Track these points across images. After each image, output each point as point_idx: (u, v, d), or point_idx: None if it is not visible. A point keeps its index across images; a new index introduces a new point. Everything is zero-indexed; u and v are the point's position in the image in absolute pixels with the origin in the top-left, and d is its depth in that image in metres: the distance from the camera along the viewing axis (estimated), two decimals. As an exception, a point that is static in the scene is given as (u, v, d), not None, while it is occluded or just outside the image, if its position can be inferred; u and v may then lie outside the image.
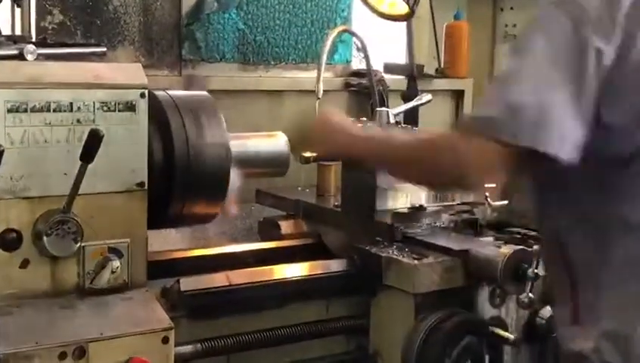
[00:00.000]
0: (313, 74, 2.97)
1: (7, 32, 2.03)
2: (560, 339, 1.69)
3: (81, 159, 1.62)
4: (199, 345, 1.98)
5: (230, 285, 2.08)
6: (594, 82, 1.43)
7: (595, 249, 1.58)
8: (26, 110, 1.64)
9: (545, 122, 1.45)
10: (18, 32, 2.03)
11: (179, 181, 1.89)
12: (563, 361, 1.73)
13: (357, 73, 3.10)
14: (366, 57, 2.95)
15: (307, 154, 2.36)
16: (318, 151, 2.08)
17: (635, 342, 1.54)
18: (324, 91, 2.85)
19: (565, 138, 1.44)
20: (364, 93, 2.98)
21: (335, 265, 2.28)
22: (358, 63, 3.24)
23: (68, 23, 2.64)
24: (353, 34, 3.01)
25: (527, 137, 1.43)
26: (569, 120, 1.45)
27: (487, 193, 2.41)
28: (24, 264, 1.66)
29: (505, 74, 1.59)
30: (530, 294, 2.00)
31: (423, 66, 3.36)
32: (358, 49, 3.20)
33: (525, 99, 1.46)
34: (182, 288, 1.96)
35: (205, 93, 2.09)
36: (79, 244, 1.70)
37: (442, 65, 3.54)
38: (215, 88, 2.58)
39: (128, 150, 1.77)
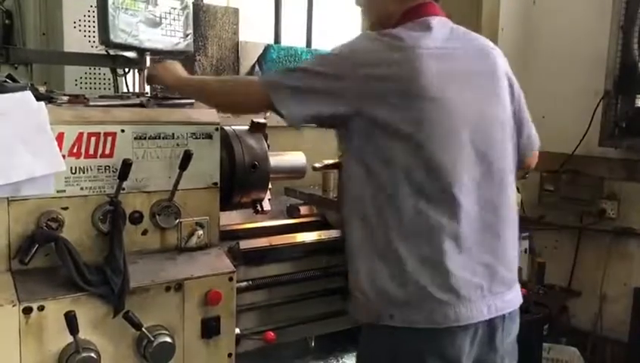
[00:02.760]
0: None
1: (133, 90, 2.19)
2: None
3: (179, 168, 1.76)
4: (251, 282, 2.18)
5: (270, 245, 2.28)
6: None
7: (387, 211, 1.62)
8: (145, 138, 1.76)
9: (284, 99, 1.63)
10: (139, 90, 2.13)
11: (238, 182, 2.01)
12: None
13: None
14: None
15: (317, 165, 2.59)
16: (159, 82, 2.03)
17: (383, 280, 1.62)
18: None
19: (291, 109, 1.63)
20: None
21: (334, 234, 2.45)
22: None
23: None
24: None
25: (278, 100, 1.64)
26: (295, 105, 1.63)
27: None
28: (144, 232, 1.79)
29: (297, 69, 1.72)
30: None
31: None
32: None
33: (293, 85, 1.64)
34: (241, 247, 2.13)
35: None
36: (177, 220, 1.82)
37: None
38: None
39: (207, 163, 1.87)
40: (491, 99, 1.73)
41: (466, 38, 1.77)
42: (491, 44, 1.82)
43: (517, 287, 1.77)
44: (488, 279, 1.65)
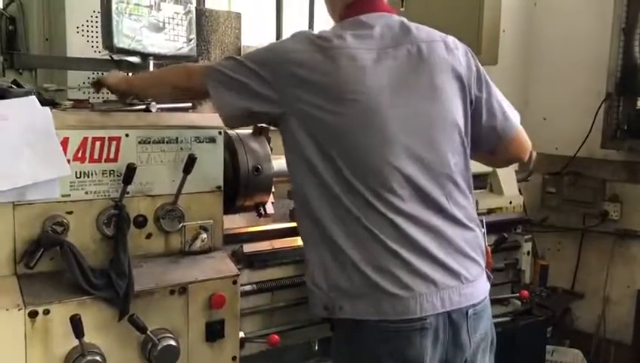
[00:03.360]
0: None
1: None
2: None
3: (183, 172, 1.76)
4: (255, 285, 2.15)
5: (273, 248, 2.24)
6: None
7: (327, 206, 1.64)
8: (149, 142, 1.76)
9: (218, 87, 1.67)
10: None
11: (242, 186, 2.01)
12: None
13: None
14: None
15: None
16: (110, 89, 1.99)
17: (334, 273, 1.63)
18: None
19: (223, 98, 1.67)
20: None
21: None
22: None
23: None
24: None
25: (212, 87, 1.67)
26: (227, 95, 1.66)
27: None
28: (148, 236, 1.79)
29: (234, 59, 1.73)
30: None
31: None
32: None
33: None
34: (244, 250, 2.12)
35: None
36: (181, 224, 1.82)
37: None
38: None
39: (211, 167, 1.87)
40: (427, 98, 1.69)
41: (403, 35, 1.73)
42: (439, 37, 1.77)
43: (479, 282, 1.72)
44: (437, 273, 1.62)
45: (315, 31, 1.73)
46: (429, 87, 1.68)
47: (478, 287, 1.71)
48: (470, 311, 1.67)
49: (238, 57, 1.73)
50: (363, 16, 1.72)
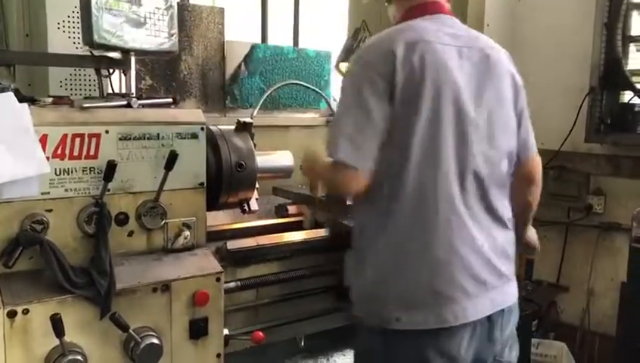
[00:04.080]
0: (308, 115, 3.26)
1: (117, 90, 2.08)
2: None
3: (165, 169, 1.76)
4: (238, 282, 2.16)
5: (257, 245, 2.25)
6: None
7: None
8: (130, 139, 1.75)
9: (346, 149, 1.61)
10: (124, 90, 2.05)
11: (225, 182, 2.00)
12: None
13: (333, 114, 2.72)
14: (330, 107, 3.09)
15: None
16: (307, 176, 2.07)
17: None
18: (314, 125, 3.20)
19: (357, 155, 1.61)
20: None
21: (322, 232, 2.48)
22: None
23: (155, 85, 2.74)
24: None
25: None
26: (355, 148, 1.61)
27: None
28: (130, 234, 1.78)
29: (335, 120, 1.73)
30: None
31: None
32: (334, 100, 3.26)
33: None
34: (228, 247, 2.14)
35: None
36: (163, 221, 1.82)
37: None
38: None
39: (193, 163, 1.87)
40: (496, 102, 1.76)
41: (468, 36, 1.79)
42: (499, 46, 1.84)
43: (514, 280, 1.79)
44: (489, 273, 1.68)
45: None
46: (497, 92, 1.75)
47: (513, 286, 1.79)
48: (506, 308, 1.74)
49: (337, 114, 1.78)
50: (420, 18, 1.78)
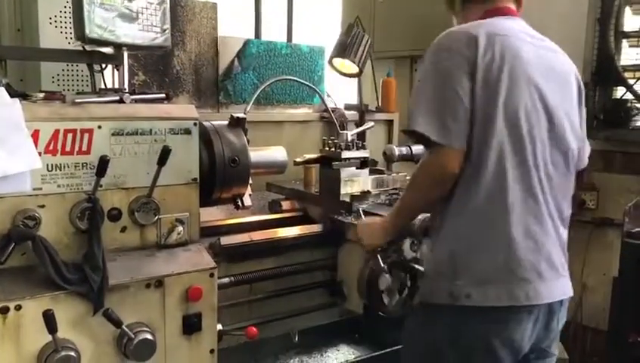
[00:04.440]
0: (302, 110, 3.29)
1: (110, 86, 2.10)
2: None
3: (158, 164, 1.74)
4: (232, 278, 2.17)
5: (251, 241, 2.25)
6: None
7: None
8: (123, 134, 1.73)
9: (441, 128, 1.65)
10: (117, 86, 2.07)
11: (218, 178, 1.99)
12: None
13: (327, 110, 3.08)
14: (324, 103, 3.10)
15: (298, 160, 2.58)
16: (372, 246, 2.04)
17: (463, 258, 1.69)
18: (307, 121, 3.18)
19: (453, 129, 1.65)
20: (332, 122, 3.02)
21: (316, 228, 2.48)
22: (330, 104, 3.22)
23: (148, 80, 2.74)
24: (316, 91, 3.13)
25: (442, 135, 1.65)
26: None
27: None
28: (123, 229, 1.77)
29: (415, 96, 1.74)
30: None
31: (367, 105, 3.52)
32: (328, 95, 3.38)
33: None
34: (222, 243, 2.15)
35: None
36: (157, 217, 1.81)
37: (379, 104, 3.71)
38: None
39: (186, 158, 1.85)
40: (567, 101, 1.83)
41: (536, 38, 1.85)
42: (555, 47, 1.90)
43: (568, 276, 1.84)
44: (559, 261, 1.75)
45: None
46: (566, 91, 1.82)
47: (570, 283, 1.84)
48: (564, 300, 1.79)
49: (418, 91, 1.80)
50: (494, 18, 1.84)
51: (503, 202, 1.66)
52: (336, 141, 2.65)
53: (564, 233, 1.82)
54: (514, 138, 1.67)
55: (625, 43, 3.70)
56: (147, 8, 1.97)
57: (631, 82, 3.62)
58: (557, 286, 1.74)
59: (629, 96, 3.63)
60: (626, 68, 3.67)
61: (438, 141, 1.64)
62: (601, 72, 3.60)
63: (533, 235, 1.69)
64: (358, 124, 3.26)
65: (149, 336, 1.64)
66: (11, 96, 1.59)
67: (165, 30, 2.02)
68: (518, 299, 1.64)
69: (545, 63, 1.77)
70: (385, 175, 2.81)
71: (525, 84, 1.69)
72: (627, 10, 3.66)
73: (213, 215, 2.39)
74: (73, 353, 1.53)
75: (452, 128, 1.63)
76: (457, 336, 1.68)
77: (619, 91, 3.71)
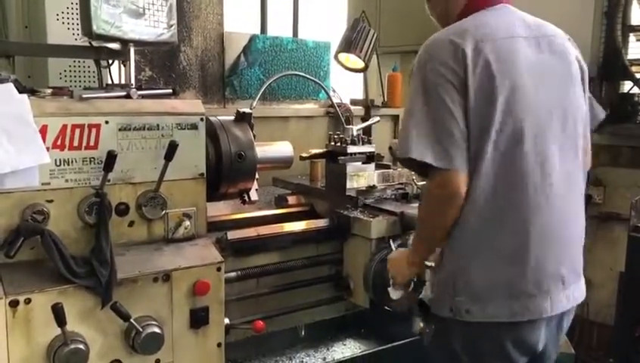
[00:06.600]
0: (307, 106, 3.28)
1: (117, 81, 2.09)
2: None
3: (165, 159, 1.76)
4: (239, 272, 2.18)
5: (258, 235, 2.25)
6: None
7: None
8: (130, 129, 1.76)
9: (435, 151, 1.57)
10: (124, 81, 2.06)
11: (225, 172, 2.01)
12: None
13: (332, 105, 3.14)
14: (330, 98, 3.13)
15: (304, 155, 2.59)
16: (403, 282, 1.95)
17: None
18: (313, 116, 3.18)
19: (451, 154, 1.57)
20: (337, 117, 3.06)
21: (322, 222, 2.47)
22: (336, 99, 3.31)
23: (154, 76, 2.77)
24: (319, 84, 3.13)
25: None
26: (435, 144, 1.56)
27: (413, 177, 2.61)
28: (131, 224, 1.79)
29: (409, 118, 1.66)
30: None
31: (373, 100, 3.55)
32: (333, 90, 3.39)
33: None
34: (229, 237, 2.15)
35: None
36: (164, 211, 1.82)
37: (385, 99, 3.73)
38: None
39: (193, 153, 1.87)
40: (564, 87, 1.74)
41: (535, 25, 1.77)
42: (556, 31, 1.81)
43: (582, 277, 1.78)
44: (566, 269, 1.67)
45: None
46: (568, 78, 1.74)
47: (583, 282, 1.79)
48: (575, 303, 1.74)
49: (411, 113, 1.71)
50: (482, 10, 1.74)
51: (499, 221, 1.61)
52: (342, 135, 2.66)
53: (578, 228, 1.74)
54: (511, 154, 1.59)
55: (632, 37, 3.67)
56: (153, 4, 1.97)
57: (638, 76, 3.60)
58: (561, 299, 1.67)
59: (635, 90, 3.61)
60: (633, 62, 3.64)
61: (438, 166, 1.56)
62: (608, 67, 3.57)
63: (534, 247, 1.62)
64: (364, 119, 3.25)
65: (157, 330, 1.65)
66: (19, 92, 1.60)
67: (171, 26, 2.02)
68: (516, 314, 1.61)
69: (544, 55, 1.68)
70: (391, 170, 2.81)
71: (522, 86, 1.60)
72: (634, 3, 3.63)
73: (220, 209, 2.40)
74: (81, 346, 1.56)
75: (450, 149, 1.55)
76: (472, 343, 1.67)
77: (626, 86, 3.68)
